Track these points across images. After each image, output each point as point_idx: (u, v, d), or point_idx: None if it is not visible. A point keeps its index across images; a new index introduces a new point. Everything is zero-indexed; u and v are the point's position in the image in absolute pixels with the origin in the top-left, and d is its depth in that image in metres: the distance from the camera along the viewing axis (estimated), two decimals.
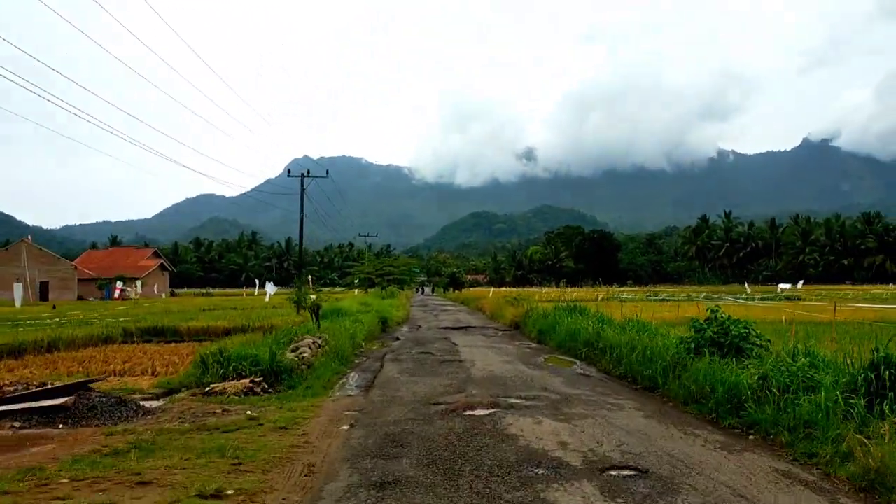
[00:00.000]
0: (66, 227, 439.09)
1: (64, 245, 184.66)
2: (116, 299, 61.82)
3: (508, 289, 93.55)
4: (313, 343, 15.51)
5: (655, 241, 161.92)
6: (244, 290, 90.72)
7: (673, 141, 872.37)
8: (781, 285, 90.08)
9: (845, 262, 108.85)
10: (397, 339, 21.20)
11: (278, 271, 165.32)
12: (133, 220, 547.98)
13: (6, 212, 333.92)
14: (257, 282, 63.46)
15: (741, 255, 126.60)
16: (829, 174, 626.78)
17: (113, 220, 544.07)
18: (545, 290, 58.35)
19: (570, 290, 52.92)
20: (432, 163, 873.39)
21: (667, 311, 24.04)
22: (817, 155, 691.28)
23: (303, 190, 28.60)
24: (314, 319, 19.13)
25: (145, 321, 24.89)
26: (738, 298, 41.11)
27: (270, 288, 27.10)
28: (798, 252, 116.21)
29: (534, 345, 18.64)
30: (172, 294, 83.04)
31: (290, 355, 13.15)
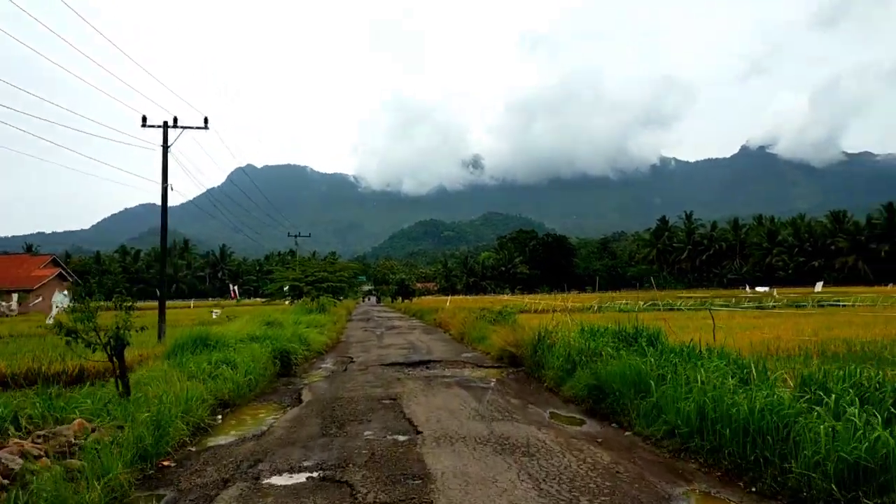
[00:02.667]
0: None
1: None
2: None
3: (464, 297, 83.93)
4: (17, 458, 5.19)
5: (609, 246, 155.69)
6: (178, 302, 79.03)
7: (615, 148, 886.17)
8: (759, 288, 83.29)
9: (815, 264, 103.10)
10: (299, 400, 10.96)
11: (211, 281, 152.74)
12: (71, 232, 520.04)
13: None
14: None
15: (704, 257, 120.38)
16: (768, 181, 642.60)
17: (48, 231, 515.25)
18: (535, 298, 49.04)
19: (566, 295, 43.69)
20: (378, 171, 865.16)
21: (762, 332, 14.53)
22: (756, 162, 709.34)
23: (166, 147, 18.09)
24: (116, 371, 8.96)
25: None
26: (751, 305, 32.51)
27: (60, 299, 16.45)
28: (765, 253, 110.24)
29: (594, 426, 8.67)
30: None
31: None
